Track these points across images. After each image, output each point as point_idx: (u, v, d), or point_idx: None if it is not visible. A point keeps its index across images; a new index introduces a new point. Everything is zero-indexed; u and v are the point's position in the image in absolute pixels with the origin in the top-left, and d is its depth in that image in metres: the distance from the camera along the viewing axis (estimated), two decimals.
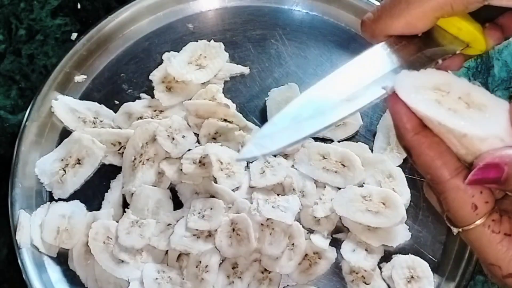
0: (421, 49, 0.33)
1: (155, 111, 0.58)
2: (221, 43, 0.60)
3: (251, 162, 0.55)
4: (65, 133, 0.57)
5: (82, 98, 0.59)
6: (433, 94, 0.31)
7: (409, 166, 0.55)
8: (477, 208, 0.29)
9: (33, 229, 0.53)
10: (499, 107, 0.30)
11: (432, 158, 0.30)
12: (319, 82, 0.33)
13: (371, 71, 0.33)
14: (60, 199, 0.55)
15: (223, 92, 0.58)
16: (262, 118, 0.58)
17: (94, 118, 0.58)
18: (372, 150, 0.56)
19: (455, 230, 0.31)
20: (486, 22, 0.34)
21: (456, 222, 0.30)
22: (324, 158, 0.54)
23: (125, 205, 0.54)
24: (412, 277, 0.51)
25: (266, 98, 0.58)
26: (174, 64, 0.57)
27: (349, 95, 0.31)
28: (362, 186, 0.53)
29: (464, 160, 0.31)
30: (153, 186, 0.54)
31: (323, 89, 0.32)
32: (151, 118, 0.57)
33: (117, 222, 0.53)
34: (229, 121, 0.56)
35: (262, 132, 0.31)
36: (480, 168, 0.28)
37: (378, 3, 0.61)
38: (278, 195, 0.53)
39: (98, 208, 0.55)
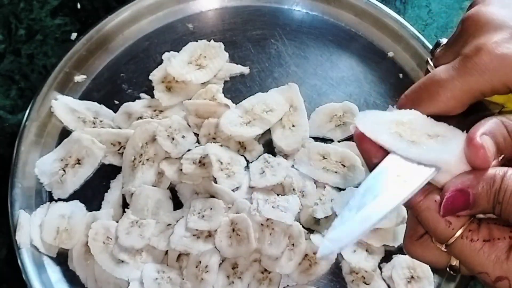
0: (460, 120, 0.34)
1: (155, 111, 0.58)
2: (221, 43, 0.60)
3: (251, 162, 0.55)
4: (65, 133, 0.57)
5: (82, 98, 0.59)
6: (394, 128, 0.32)
7: None
8: (450, 223, 0.30)
9: (32, 229, 0.53)
10: (459, 138, 0.32)
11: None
12: (376, 169, 0.33)
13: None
14: (59, 199, 0.55)
15: (223, 92, 0.58)
16: None
17: (94, 118, 0.57)
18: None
19: (442, 247, 0.32)
20: None
21: (437, 239, 0.32)
22: (324, 158, 0.54)
23: (125, 205, 0.54)
24: (412, 277, 0.51)
25: None
26: (174, 64, 0.57)
27: (403, 175, 0.32)
28: None
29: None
30: (153, 186, 0.54)
31: (379, 173, 0.33)
32: (151, 118, 0.57)
33: (117, 222, 0.53)
34: None
35: (334, 226, 0.32)
36: (448, 197, 0.30)
37: (378, 3, 0.62)
38: (278, 195, 0.53)
39: (98, 208, 0.54)
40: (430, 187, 0.31)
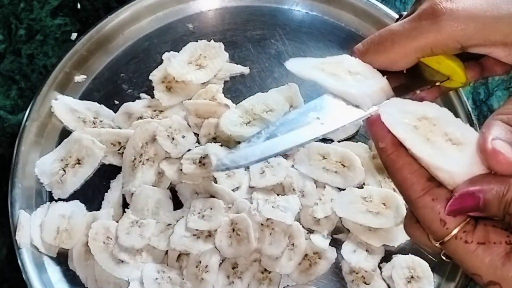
0: (402, 80, 0.36)
1: (155, 111, 0.58)
2: (221, 43, 0.60)
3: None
4: (65, 133, 0.57)
5: (82, 98, 0.59)
6: (414, 121, 0.33)
7: None
8: (445, 223, 0.30)
9: (33, 229, 0.53)
10: (378, 79, 0.35)
11: (403, 178, 0.32)
12: (300, 108, 0.37)
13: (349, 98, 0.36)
14: (60, 199, 0.55)
15: (223, 92, 0.58)
16: None
17: (94, 118, 0.57)
18: (371, 150, 0.56)
19: (437, 245, 0.32)
20: (468, 60, 0.37)
21: (433, 237, 0.32)
22: (324, 158, 0.54)
23: (125, 205, 0.54)
24: (412, 277, 0.51)
25: None
26: (174, 64, 0.57)
27: (325, 118, 0.34)
28: (362, 187, 0.53)
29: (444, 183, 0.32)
30: (153, 186, 0.54)
31: (301, 113, 0.35)
32: (151, 118, 0.57)
33: (117, 222, 0.53)
34: None
35: (239, 148, 0.34)
36: (456, 198, 0.30)
37: (378, 3, 0.62)
38: (278, 195, 0.53)
39: (98, 208, 0.55)
40: (428, 186, 0.31)
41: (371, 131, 0.34)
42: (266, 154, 0.34)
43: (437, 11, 0.34)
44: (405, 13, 0.40)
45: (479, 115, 0.59)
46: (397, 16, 0.61)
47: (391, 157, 0.32)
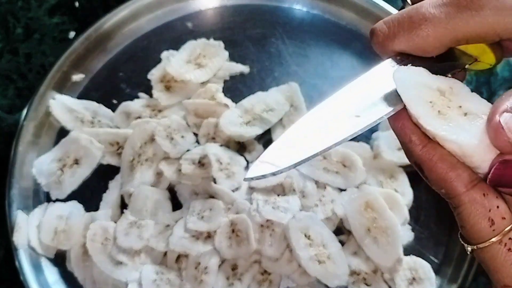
0: (430, 64, 0.33)
1: (153, 110, 0.57)
2: (221, 42, 0.59)
3: (251, 162, 0.55)
4: (63, 133, 0.57)
5: (80, 97, 0.59)
6: (431, 95, 0.30)
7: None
8: (494, 223, 0.28)
9: (30, 230, 0.53)
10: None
11: (445, 170, 0.29)
12: (326, 100, 0.32)
13: (379, 88, 0.32)
14: (57, 200, 0.55)
15: (222, 92, 0.58)
16: None
17: (92, 117, 0.57)
18: (373, 150, 0.55)
19: (469, 248, 0.30)
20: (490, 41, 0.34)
21: (471, 238, 0.29)
22: (324, 158, 0.54)
23: (124, 205, 0.54)
24: (413, 278, 0.51)
25: None
26: (173, 63, 0.57)
27: (358, 111, 0.31)
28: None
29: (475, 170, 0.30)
30: (151, 186, 0.53)
31: (330, 107, 0.32)
32: (150, 117, 0.57)
33: (115, 223, 0.52)
34: None
35: (270, 150, 0.30)
36: (502, 162, 0.27)
37: (380, 2, 0.61)
38: (278, 195, 0.53)
39: (96, 208, 0.54)
40: (476, 179, 0.29)
41: (397, 126, 0.31)
42: (306, 155, 0.29)
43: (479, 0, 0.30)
44: None
45: None
46: None
47: (426, 150, 0.29)
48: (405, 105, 0.30)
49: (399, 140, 0.31)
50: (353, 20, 0.62)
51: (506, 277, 0.28)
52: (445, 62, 0.33)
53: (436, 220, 0.54)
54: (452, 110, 0.30)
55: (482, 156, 0.28)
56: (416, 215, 0.54)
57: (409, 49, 0.32)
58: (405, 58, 0.33)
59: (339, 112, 0.31)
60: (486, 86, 0.60)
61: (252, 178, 0.29)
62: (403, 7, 0.41)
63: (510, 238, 0.28)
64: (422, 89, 0.30)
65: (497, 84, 0.61)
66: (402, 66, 0.31)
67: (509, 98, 0.28)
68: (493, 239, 0.28)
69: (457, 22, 0.30)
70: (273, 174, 0.29)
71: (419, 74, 0.31)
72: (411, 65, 0.32)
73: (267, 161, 0.29)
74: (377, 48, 0.34)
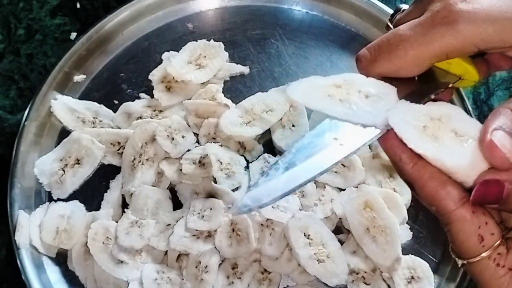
0: (414, 86, 0.34)
1: (154, 111, 0.58)
2: (221, 43, 0.59)
3: (251, 162, 0.55)
4: (64, 133, 0.57)
5: (82, 98, 0.59)
6: (423, 122, 0.31)
7: None
8: (483, 239, 0.29)
9: (32, 229, 0.53)
10: (391, 96, 0.32)
11: (434, 189, 0.30)
12: (314, 129, 0.33)
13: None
14: (59, 199, 0.55)
15: (222, 92, 0.58)
16: None
17: (94, 118, 0.57)
18: (372, 150, 0.56)
19: (459, 262, 0.30)
20: (474, 57, 0.35)
21: (462, 254, 0.30)
22: None
23: (125, 205, 0.54)
24: (412, 277, 0.51)
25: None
26: (174, 63, 0.57)
27: (343, 138, 0.31)
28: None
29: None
30: (152, 186, 0.54)
31: (316, 135, 0.32)
32: (151, 118, 0.57)
33: (117, 222, 0.53)
34: None
35: (258, 184, 0.31)
36: (482, 183, 0.28)
37: (378, 3, 0.61)
38: None
39: (98, 208, 0.54)
40: (465, 196, 0.29)
41: (386, 146, 0.31)
42: (290, 187, 0.30)
43: (453, 13, 0.30)
44: (403, 6, 0.38)
45: (480, 115, 0.59)
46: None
47: (417, 168, 0.30)
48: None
49: (390, 159, 0.32)
50: (352, 21, 0.62)
51: None
52: (429, 83, 0.34)
53: (435, 219, 0.53)
54: (443, 133, 0.30)
55: (467, 172, 0.29)
56: (415, 214, 0.54)
57: (391, 70, 0.33)
58: (389, 82, 0.33)
59: (323, 141, 0.32)
60: (485, 87, 0.60)
61: (240, 213, 0.31)
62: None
63: (499, 253, 0.28)
64: (413, 117, 0.31)
65: (495, 84, 0.61)
66: (394, 108, 0.32)
67: (497, 117, 0.29)
68: (483, 255, 0.29)
69: (433, 39, 0.31)
70: (260, 207, 0.31)
71: (409, 105, 0.32)
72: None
73: (254, 196, 0.30)
74: (362, 73, 0.34)
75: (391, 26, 0.39)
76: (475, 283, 0.53)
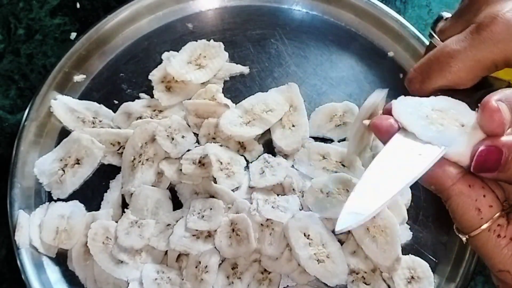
0: (468, 95, 0.34)
1: (154, 111, 0.58)
2: (221, 43, 0.59)
3: (251, 162, 0.55)
4: (64, 133, 0.57)
5: (81, 98, 0.59)
6: (426, 113, 0.32)
7: None
8: (481, 211, 0.29)
9: (32, 229, 0.53)
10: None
11: (432, 168, 0.30)
12: (385, 148, 0.32)
13: None
14: (59, 199, 0.55)
15: (222, 92, 0.58)
16: None
17: (93, 118, 0.57)
18: (371, 150, 0.56)
19: (463, 238, 0.31)
20: None
21: (463, 228, 0.31)
22: (324, 158, 0.54)
23: (125, 205, 0.54)
24: (412, 277, 0.51)
25: None
26: (174, 63, 0.57)
27: (418, 150, 0.31)
28: None
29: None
30: (152, 186, 0.54)
31: (394, 152, 0.32)
32: (151, 118, 0.57)
33: (116, 222, 0.53)
34: None
35: (352, 200, 0.31)
36: (482, 150, 0.29)
37: (378, 3, 0.61)
38: (278, 195, 0.53)
39: (97, 208, 0.54)
40: (460, 172, 0.30)
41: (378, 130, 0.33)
42: (383, 201, 0.30)
43: (499, 26, 0.31)
44: (445, 14, 0.38)
45: None
46: (397, 16, 0.61)
47: None
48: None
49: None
50: (352, 21, 0.62)
51: (498, 262, 0.29)
52: (480, 90, 0.34)
53: (435, 219, 0.54)
54: (445, 121, 0.31)
55: (461, 152, 0.30)
56: (415, 214, 0.54)
57: (446, 84, 0.34)
58: (443, 93, 0.34)
59: (405, 155, 0.31)
60: None
61: (342, 230, 0.30)
62: (430, 44, 0.42)
63: (499, 225, 0.29)
64: (416, 108, 0.32)
65: None
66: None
67: (502, 91, 0.30)
68: (483, 227, 0.29)
69: (481, 51, 0.32)
70: (358, 224, 0.30)
71: (413, 99, 0.33)
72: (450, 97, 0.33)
73: (353, 211, 0.30)
74: (416, 93, 0.35)
75: (434, 35, 0.40)
76: (475, 283, 0.54)
